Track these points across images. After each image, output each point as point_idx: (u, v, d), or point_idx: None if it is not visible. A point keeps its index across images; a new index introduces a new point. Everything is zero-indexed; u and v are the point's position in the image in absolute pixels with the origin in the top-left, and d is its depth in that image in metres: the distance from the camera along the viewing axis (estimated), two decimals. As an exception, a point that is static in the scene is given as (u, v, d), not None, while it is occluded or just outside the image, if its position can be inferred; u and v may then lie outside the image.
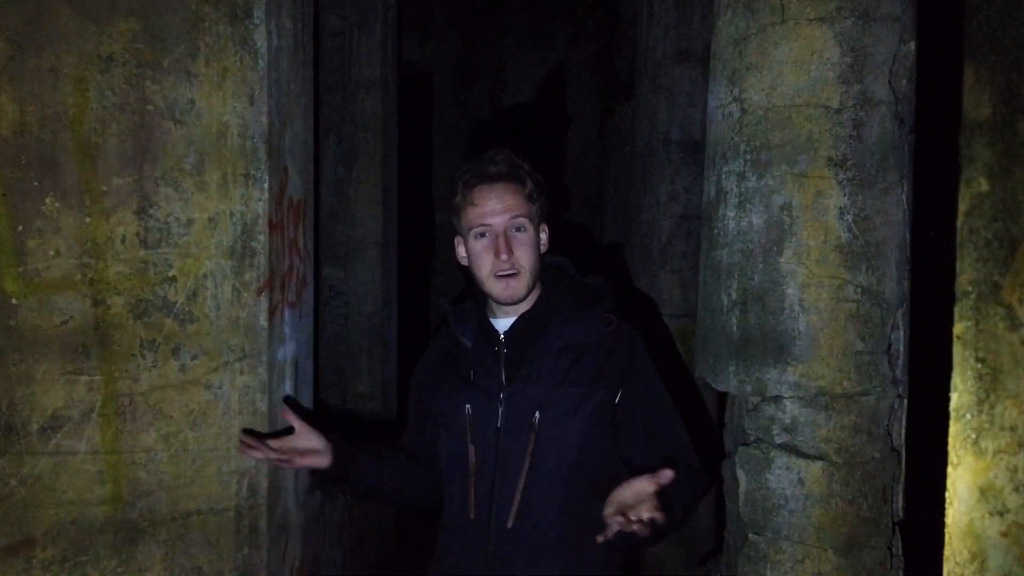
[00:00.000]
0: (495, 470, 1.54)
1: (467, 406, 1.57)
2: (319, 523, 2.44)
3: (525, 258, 1.56)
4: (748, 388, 1.78)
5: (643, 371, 1.59)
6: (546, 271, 1.64)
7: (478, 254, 1.57)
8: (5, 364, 1.80)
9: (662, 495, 1.34)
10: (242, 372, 1.88)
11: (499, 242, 1.54)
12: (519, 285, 1.56)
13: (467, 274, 1.66)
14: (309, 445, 1.60)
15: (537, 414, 1.53)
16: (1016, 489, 1.15)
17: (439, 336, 1.74)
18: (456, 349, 1.65)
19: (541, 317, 1.60)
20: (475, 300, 1.68)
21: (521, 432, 1.53)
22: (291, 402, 2.02)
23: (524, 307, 1.61)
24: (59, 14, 1.78)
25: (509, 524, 1.52)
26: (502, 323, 1.62)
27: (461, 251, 1.63)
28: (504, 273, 1.55)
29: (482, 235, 1.56)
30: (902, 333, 1.73)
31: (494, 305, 1.62)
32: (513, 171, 1.57)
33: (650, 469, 1.37)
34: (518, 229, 1.55)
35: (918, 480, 1.83)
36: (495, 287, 1.56)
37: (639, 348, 1.61)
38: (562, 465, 1.53)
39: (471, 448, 1.56)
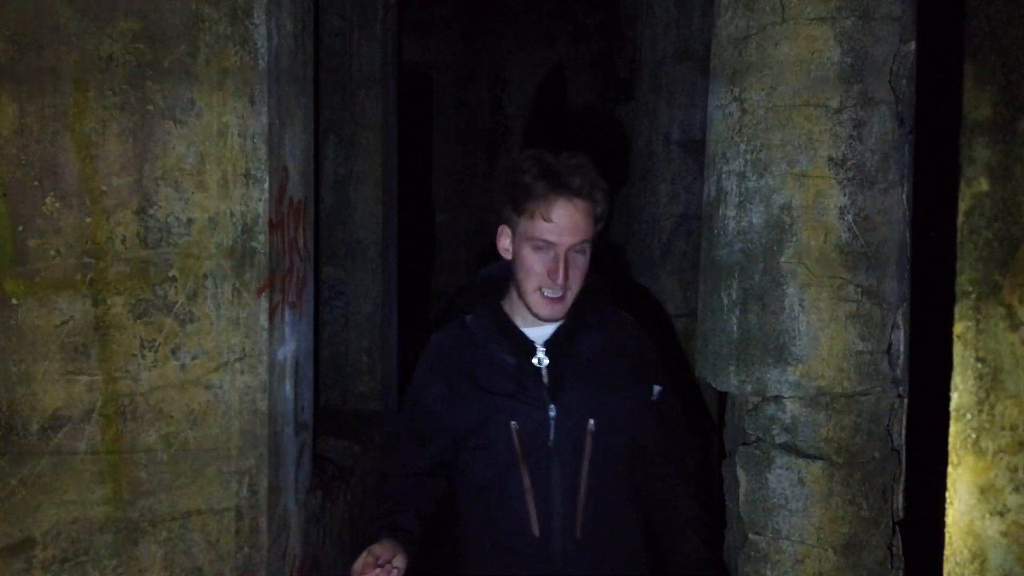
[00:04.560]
0: (552, 484, 1.50)
1: (512, 423, 1.50)
2: (319, 523, 2.44)
3: (576, 282, 1.50)
4: (748, 388, 1.78)
5: (665, 366, 1.65)
6: None
7: (530, 265, 1.49)
8: (5, 364, 1.79)
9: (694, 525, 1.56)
10: (242, 372, 1.88)
11: (558, 265, 1.46)
12: (563, 307, 1.51)
13: (495, 261, 1.59)
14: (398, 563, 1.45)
15: (591, 421, 1.51)
16: (1016, 489, 1.15)
17: (440, 346, 1.63)
18: (472, 360, 1.56)
19: (575, 323, 1.56)
20: (489, 303, 1.59)
21: (577, 442, 1.51)
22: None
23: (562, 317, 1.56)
24: (59, 14, 1.78)
25: (578, 534, 1.51)
26: (537, 332, 1.56)
27: (506, 243, 1.54)
28: (553, 296, 1.49)
29: (540, 249, 1.47)
30: (902, 333, 1.72)
31: (526, 313, 1.55)
32: (592, 190, 1.48)
33: (667, 460, 1.59)
34: (578, 252, 1.49)
35: (918, 480, 1.83)
36: (538, 304, 1.50)
37: (656, 347, 1.67)
38: (619, 467, 1.56)
39: (523, 465, 1.51)
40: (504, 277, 1.61)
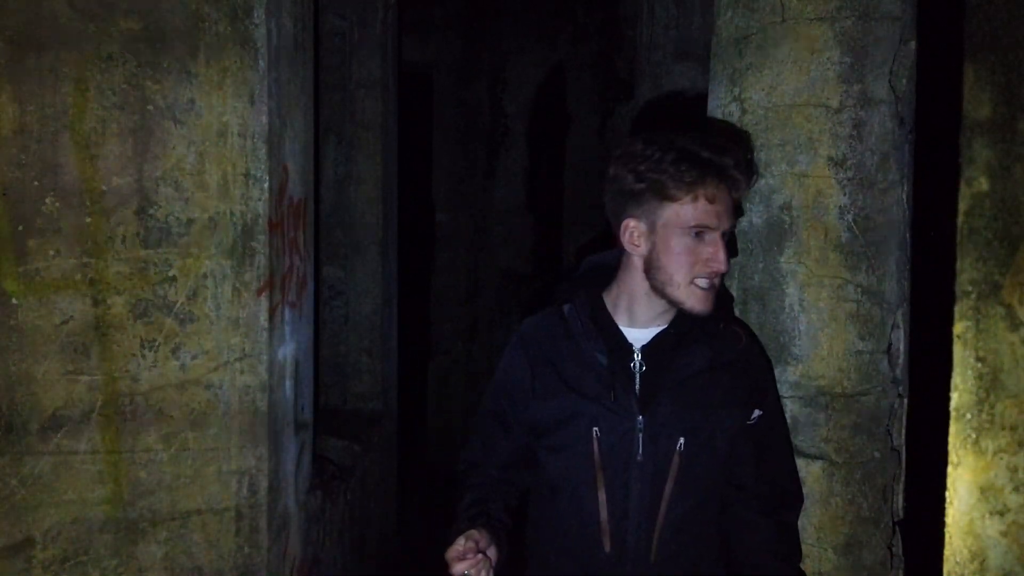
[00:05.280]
0: (631, 501, 1.40)
1: (595, 429, 1.39)
2: (319, 523, 2.44)
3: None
4: (748, 388, 1.78)
5: (774, 391, 1.54)
6: None
7: (685, 253, 1.35)
8: (5, 364, 1.80)
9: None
10: (242, 372, 1.88)
11: (718, 249, 1.34)
12: (714, 300, 1.39)
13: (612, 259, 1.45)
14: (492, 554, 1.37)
15: (682, 440, 1.39)
16: (1016, 489, 1.15)
17: (531, 332, 1.51)
18: (562, 353, 1.45)
19: (680, 331, 1.44)
20: (590, 295, 1.47)
21: (664, 460, 1.39)
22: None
23: (664, 320, 1.44)
24: (59, 14, 1.78)
25: (652, 559, 1.40)
26: (638, 335, 1.44)
27: (636, 237, 1.39)
28: (709, 286, 1.36)
29: (698, 235, 1.34)
30: (902, 333, 1.73)
31: (638, 311, 1.43)
32: (743, 174, 1.36)
33: (759, 496, 1.47)
34: (725, 238, 1.36)
35: (918, 480, 1.83)
36: (692, 296, 1.36)
37: (770, 365, 1.55)
38: (706, 493, 1.44)
39: (600, 476, 1.40)
40: (608, 268, 1.50)
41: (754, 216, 1.76)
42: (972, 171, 1.21)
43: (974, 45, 1.20)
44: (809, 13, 1.68)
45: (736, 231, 1.80)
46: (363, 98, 3.60)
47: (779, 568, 1.50)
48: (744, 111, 1.77)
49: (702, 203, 1.33)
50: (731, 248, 1.41)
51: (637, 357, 1.42)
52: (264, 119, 1.86)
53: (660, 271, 1.38)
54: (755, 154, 1.76)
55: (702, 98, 1.91)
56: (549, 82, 5.59)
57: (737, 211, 1.40)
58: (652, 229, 1.37)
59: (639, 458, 1.39)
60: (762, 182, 1.75)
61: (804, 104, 1.70)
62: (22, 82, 1.77)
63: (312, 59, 2.25)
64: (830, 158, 1.69)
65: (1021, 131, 1.14)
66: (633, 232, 1.39)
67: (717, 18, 1.86)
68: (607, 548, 1.40)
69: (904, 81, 1.70)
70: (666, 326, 1.44)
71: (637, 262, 1.41)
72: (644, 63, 3.65)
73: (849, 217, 1.69)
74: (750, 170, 1.40)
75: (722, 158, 1.34)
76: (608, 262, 1.51)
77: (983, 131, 1.19)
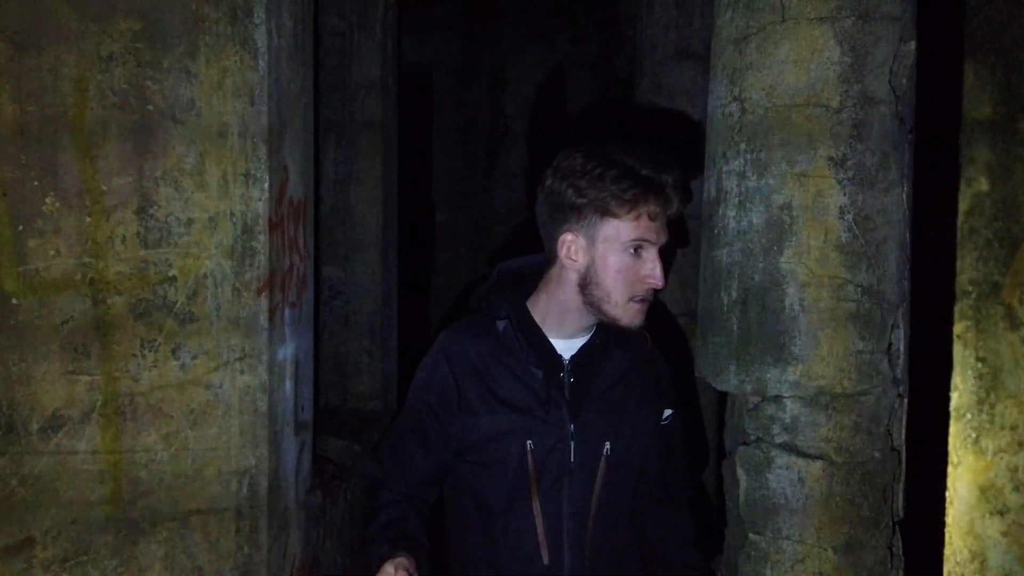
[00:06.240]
0: (563, 509, 1.42)
1: (529, 442, 1.40)
2: (319, 523, 2.44)
3: None
4: (748, 388, 1.78)
5: (674, 389, 1.59)
6: None
7: (624, 271, 1.36)
8: (5, 364, 1.80)
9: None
10: (242, 372, 1.88)
11: (658, 267, 1.35)
12: (646, 314, 1.40)
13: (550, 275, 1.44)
14: None
15: (607, 445, 1.43)
16: (1016, 488, 1.15)
17: (455, 345, 1.48)
18: (493, 367, 1.43)
19: (603, 341, 1.46)
20: (519, 309, 1.46)
21: (591, 465, 1.42)
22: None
23: (588, 330, 1.47)
24: (59, 14, 1.78)
25: (587, 564, 1.43)
26: (565, 346, 1.45)
27: (573, 251, 1.39)
28: (644, 299, 1.38)
29: (636, 250, 1.36)
30: (902, 333, 1.73)
31: (568, 323, 1.44)
32: (680, 191, 1.39)
33: (662, 485, 1.56)
34: (661, 253, 1.38)
35: (918, 480, 1.83)
36: (627, 313, 1.38)
37: (667, 363, 1.59)
38: (626, 492, 1.48)
39: (535, 488, 1.41)
40: (524, 276, 1.50)
41: (754, 216, 1.76)
42: (972, 171, 1.21)
43: (974, 45, 1.20)
44: (809, 13, 1.68)
45: (736, 231, 1.80)
46: (363, 98, 3.60)
47: (688, 553, 1.60)
48: (744, 111, 1.77)
49: (644, 220, 1.35)
50: (667, 262, 1.42)
51: (567, 368, 1.43)
52: (264, 119, 1.86)
53: (597, 287, 1.38)
54: (755, 154, 1.76)
55: (702, 98, 1.91)
56: (549, 82, 5.59)
57: (670, 227, 1.42)
58: (591, 244, 1.37)
59: (571, 466, 1.41)
60: (762, 182, 1.75)
61: (804, 104, 1.70)
62: (22, 82, 1.77)
63: (312, 59, 2.25)
64: (830, 158, 1.69)
65: (1021, 131, 1.14)
66: (571, 246, 1.39)
67: (717, 18, 1.86)
68: (545, 560, 1.41)
69: (904, 81, 1.70)
70: (590, 337, 1.46)
71: (572, 276, 1.40)
72: (644, 63, 3.64)
73: (849, 217, 1.69)
74: (686, 189, 1.41)
75: (661, 176, 1.35)
76: (524, 270, 1.51)
77: (983, 131, 1.19)
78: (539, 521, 1.41)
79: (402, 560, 1.31)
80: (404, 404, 1.55)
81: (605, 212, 1.35)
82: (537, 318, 1.46)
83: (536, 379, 1.42)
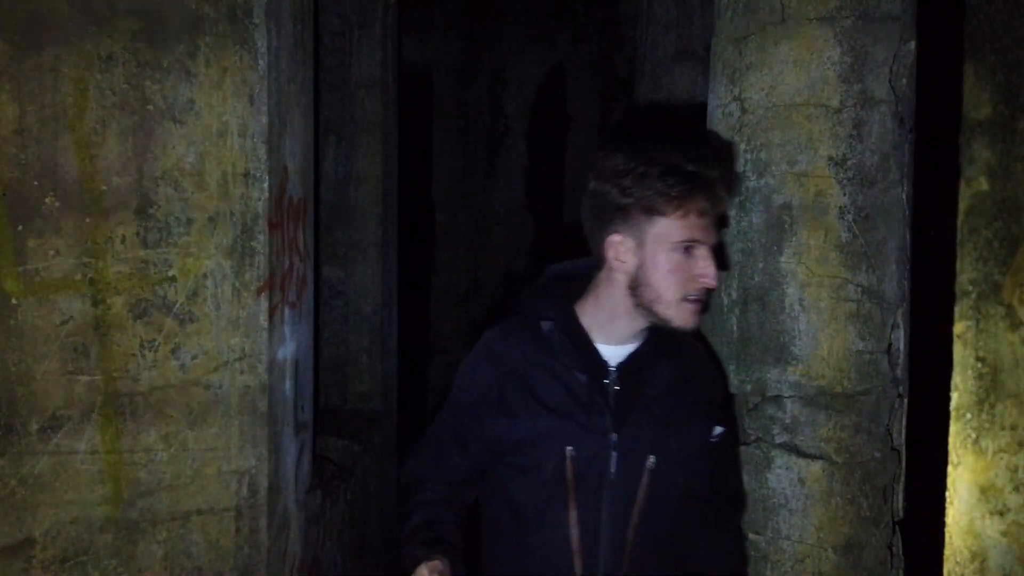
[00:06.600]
0: (602, 521, 1.37)
1: (568, 448, 1.35)
2: (319, 523, 2.44)
3: None
4: (748, 387, 1.78)
5: (730, 404, 1.54)
6: None
7: (675, 270, 1.31)
8: (5, 364, 1.80)
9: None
10: (242, 372, 1.88)
11: (712, 266, 1.31)
12: (699, 315, 1.35)
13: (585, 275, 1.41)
14: None
15: (651, 458, 1.37)
16: (1016, 488, 1.15)
17: (499, 345, 1.44)
18: (536, 369, 1.40)
19: (653, 347, 1.42)
20: (566, 312, 1.42)
21: (634, 478, 1.37)
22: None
23: (639, 337, 1.41)
24: (59, 14, 1.78)
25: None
26: (612, 352, 1.40)
27: (622, 253, 1.34)
28: (698, 299, 1.33)
29: (688, 250, 1.31)
30: (902, 333, 1.73)
31: (617, 327, 1.39)
32: (727, 187, 1.34)
33: (714, 509, 1.49)
34: (714, 252, 1.34)
35: (918, 480, 1.83)
36: (680, 313, 1.33)
37: (724, 378, 1.55)
38: (670, 509, 1.42)
39: (572, 496, 1.36)
40: (574, 279, 1.47)
41: (754, 216, 1.76)
42: (972, 171, 1.21)
43: (974, 45, 1.20)
44: (809, 13, 1.68)
45: (736, 231, 1.80)
46: (363, 98, 3.60)
47: None
48: (744, 111, 1.77)
49: (692, 218, 1.30)
50: (720, 262, 1.39)
51: (613, 375, 1.39)
52: (264, 119, 1.86)
53: (648, 288, 1.34)
54: (755, 154, 1.76)
55: (702, 98, 1.91)
56: (549, 82, 5.59)
57: (721, 223, 1.38)
58: (640, 244, 1.33)
59: (612, 477, 1.37)
60: (762, 182, 1.75)
61: (804, 104, 1.70)
62: (22, 82, 1.77)
63: (312, 59, 2.25)
64: (830, 158, 1.69)
65: (1021, 131, 1.14)
66: (619, 248, 1.35)
67: (717, 18, 1.86)
68: (578, 571, 1.37)
69: (904, 81, 1.70)
70: (640, 344, 1.42)
71: (621, 278, 1.37)
72: (644, 63, 3.65)
73: (849, 217, 1.69)
74: (733, 182, 1.39)
75: (708, 171, 1.31)
76: (573, 273, 1.48)
77: (983, 131, 1.19)
78: (575, 531, 1.37)
79: (436, 563, 1.28)
80: (444, 403, 1.52)
81: (652, 211, 1.31)
82: (585, 322, 1.42)
83: (579, 383, 1.38)
